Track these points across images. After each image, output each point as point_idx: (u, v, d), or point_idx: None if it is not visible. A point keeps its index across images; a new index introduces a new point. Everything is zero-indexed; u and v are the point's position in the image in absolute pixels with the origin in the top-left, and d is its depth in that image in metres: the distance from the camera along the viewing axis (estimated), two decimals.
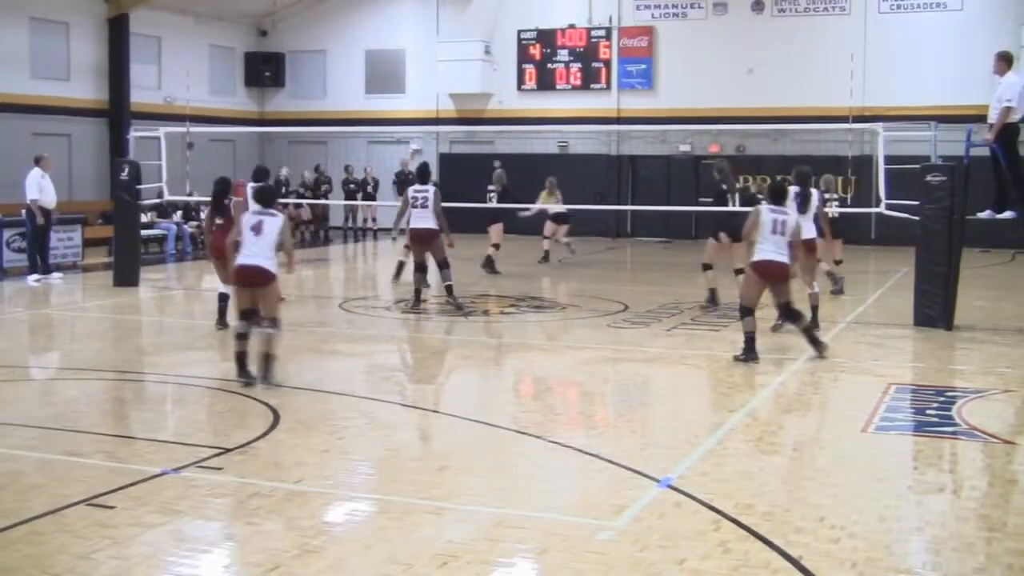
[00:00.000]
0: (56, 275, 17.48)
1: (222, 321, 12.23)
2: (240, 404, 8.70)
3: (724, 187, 14.70)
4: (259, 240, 9.29)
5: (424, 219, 13.87)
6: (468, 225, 19.55)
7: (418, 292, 14.09)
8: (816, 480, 6.69)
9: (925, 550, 5.56)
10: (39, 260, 17.30)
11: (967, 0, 24.98)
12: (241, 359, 9.29)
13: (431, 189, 14.05)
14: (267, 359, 9.21)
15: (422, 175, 14.57)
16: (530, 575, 5.25)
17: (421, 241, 14.01)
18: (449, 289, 14.15)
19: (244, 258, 9.29)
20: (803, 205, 12.22)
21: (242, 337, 9.30)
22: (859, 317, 13.98)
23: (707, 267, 14.58)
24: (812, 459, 7.17)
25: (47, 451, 7.24)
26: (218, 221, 12.06)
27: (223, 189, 12.10)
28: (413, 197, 14.05)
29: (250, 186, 13.34)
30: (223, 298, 12.10)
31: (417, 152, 29.36)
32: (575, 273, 19.38)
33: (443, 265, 14.08)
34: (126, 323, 13.59)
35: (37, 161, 17.39)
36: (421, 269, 14.15)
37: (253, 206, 10.23)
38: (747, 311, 10.50)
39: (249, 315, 9.31)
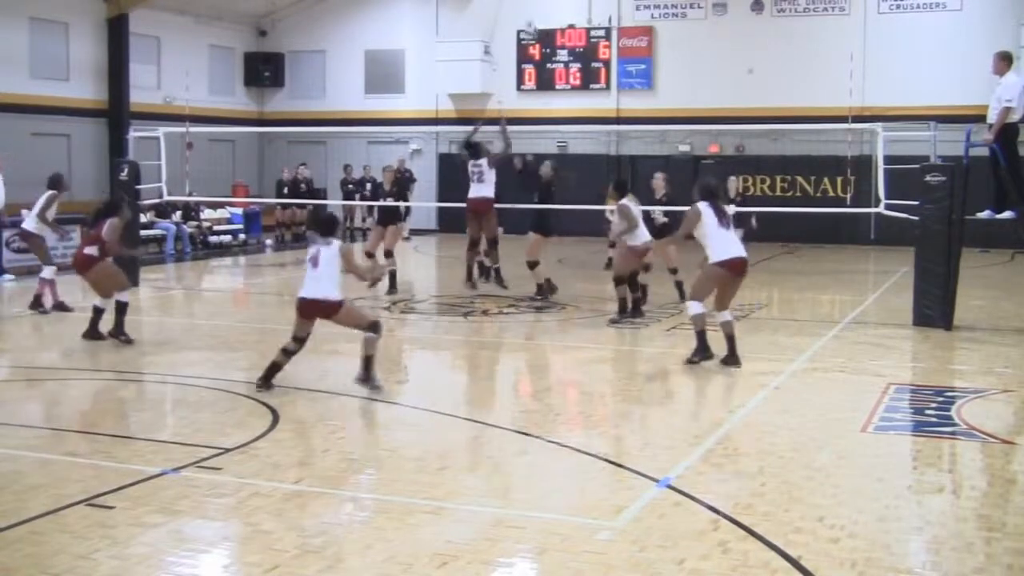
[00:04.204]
0: (7, 277, 17.50)
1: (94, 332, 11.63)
2: (240, 404, 8.70)
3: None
4: (316, 272, 9.00)
5: (480, 190, 14.70)
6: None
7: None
8: (815, 480, 6.69)
9: (925, 550, 5.56)
10: None
11: (967, 0, 25.00)
12: (274, 369, 9.14)
13: (484, 161, 14.78)
14: (368, 361, 9.11)
15: (476, 149, 15.15)
16: (529, 575, 5.26)
17: (477, 210, 14.72)
18: (497, 271, 15.11)
19: (304, 291, 9.05)
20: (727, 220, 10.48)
21: (286, 352, 9.16)
22: (859, 317, 13.99)
23: (534, 264, 15.30)
24: (811, 459, 7.16)
25: (47, 451, 7.25)
26: (91, 232, 11.91)
27: (108, 206, 11.98)
28: (471, 172, 14.78)
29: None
30: (98, 311, 11.69)
31: (417, 152, 29.39)
32: (575, 273, 19.37)
33: (492, 244, 14.93)
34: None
35: None
36: (474, 246, 14.97)
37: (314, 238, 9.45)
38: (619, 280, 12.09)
39: (301, 341, 9.16)
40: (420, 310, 14.47)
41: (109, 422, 8.37)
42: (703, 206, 10.24)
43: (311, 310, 9.06)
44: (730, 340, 10.24)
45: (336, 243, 9.08)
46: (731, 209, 11.25)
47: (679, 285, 14.31)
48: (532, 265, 15.14)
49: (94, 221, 11.95)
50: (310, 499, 6.26)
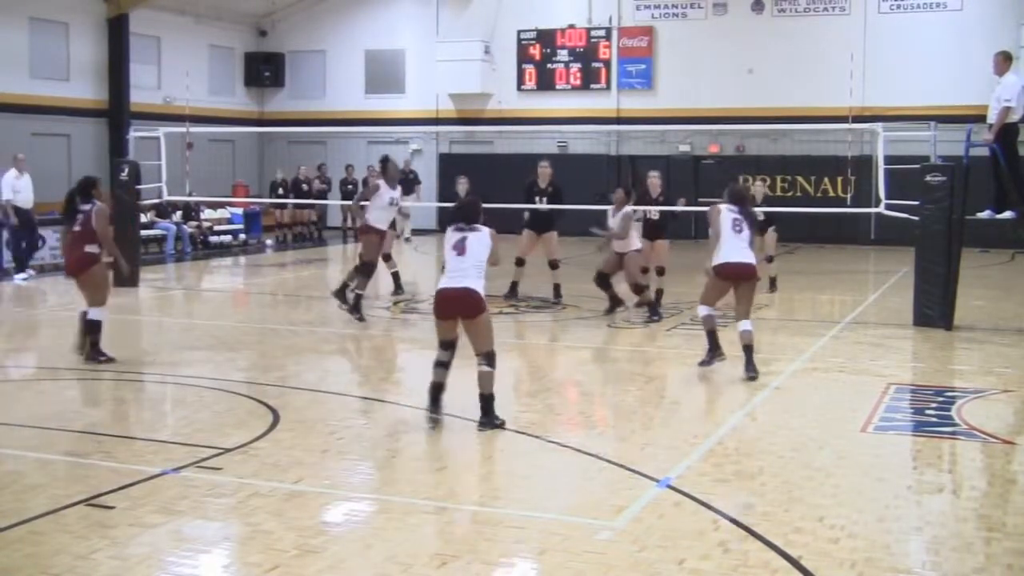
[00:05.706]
0: (20, 276, 17.49)
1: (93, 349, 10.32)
2: (240, 404, 8.70)
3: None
4: (463, 260, 7.98)
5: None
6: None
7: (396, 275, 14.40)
8: (815, 480, 6.69)
9: (924, 550, 5.56)
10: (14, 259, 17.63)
11: (967, 0, 25.01)
12: (436, 391, 8.02)
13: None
14: (485, 401, 7.95)
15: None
16: (529, 575, 5.26)
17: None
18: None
19: (445, 282, 7.99)
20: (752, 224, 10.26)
21: (441, 366, 8.06)
22: (859, 317, 13.99)
23: (521, 262, 15.29)
24: (811, 459, 7.17)
25: (47, 451, 7.25)
26: (75, 228, 10.31)
27: (82, 188, 10.45)
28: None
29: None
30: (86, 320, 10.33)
31: (417, 152, 29.40)
32: (575, 273, 19.37)
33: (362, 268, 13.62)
34: (126, 323, 13.57)
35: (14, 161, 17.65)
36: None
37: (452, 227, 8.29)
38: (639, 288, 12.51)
39: (450, 345, 8.05)
40: (421, 310, 14.46)
41: (109, 422, 8.37)
42: (723, 207, 9.99)
43: (453, 306, 7.94)
44: (747, 350, 9.79)
45: (486, 229, 8.07)
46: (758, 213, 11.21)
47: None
48: (554, 264, 15.35)
49: (70, 212, 10.37)
50: (310, 499, 6.26)
